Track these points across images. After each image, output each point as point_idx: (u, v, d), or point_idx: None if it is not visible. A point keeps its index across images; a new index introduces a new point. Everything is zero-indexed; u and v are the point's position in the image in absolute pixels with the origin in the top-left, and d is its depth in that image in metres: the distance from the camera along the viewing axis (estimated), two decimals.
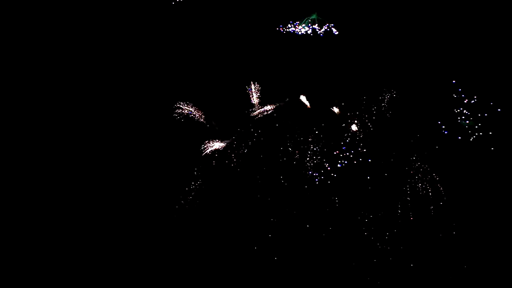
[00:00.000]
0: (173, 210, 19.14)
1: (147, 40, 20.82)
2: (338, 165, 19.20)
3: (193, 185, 19.34)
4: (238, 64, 20.59)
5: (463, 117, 18.23)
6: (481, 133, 18.00)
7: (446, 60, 18.89)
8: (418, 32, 19.13)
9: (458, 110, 18.36)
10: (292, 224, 18.98)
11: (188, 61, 20.86)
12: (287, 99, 19.92)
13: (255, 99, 19.77)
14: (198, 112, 19.93)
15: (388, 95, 19.21)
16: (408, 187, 18.54)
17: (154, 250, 18.56)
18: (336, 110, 19.55)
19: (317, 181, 19.12)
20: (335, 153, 19.27)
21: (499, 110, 17.87)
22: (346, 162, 19.18)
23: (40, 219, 18.49)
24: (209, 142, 19.66)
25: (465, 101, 18.34)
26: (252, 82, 19.58)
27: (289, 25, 19.85)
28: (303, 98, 19.71)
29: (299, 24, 19.63)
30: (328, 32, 19.67)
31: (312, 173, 19.16)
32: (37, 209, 18.59)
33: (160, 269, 18.45)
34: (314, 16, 19.15)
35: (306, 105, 19.50)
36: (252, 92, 19.70)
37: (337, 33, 19.38)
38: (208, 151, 19.56)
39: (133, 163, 19.67)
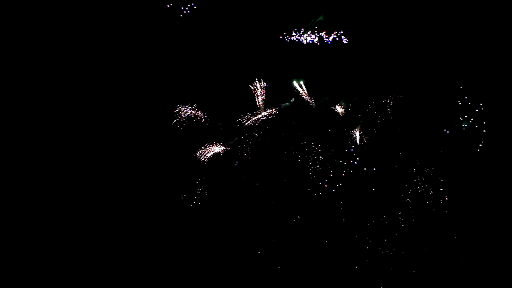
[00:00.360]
0: (176, 213, 19.01)
1: (148, 41, 20.60)
2: (341, 167, 19.18)
3: (195, 188, 19.19)
4: (242, 65, 20.45)
5: (468, 124, 18.24)
6: (487, 140, 18.01)
7: (452, 65, 18.90)
8: (424, 36, 19.14)
9: (464, 117, 18.36)
10: (295, 228, 18.93)
11: (190, 63, 20.72)
12: (293, 99, 19.84)
13: (260, 100, 19.66)
14: (200, 114, 19.77)
15: (393, 99, 19.19)
16: (411, 191, 18.55)
17: (157, 254, 18.47)
18: (340, 110, 19.47)
19: (320, 185, 19.08)
20: (340, 160, 19.21)
21: (506, 116, 17.91)
22: (350, 169, 19.14)
23: (40, 220, 18.30)
24: (211, 145, 19.51)
25: (470, 106, 18.34)
26: (257, 81, 19.46)
27: (294, 33, 19.70)
28: (298, 86, 19.52)
29: (305, 31, 19.49)
30: (336, 36, 19.59)
31: (316, 178, 19.09)
32: (37, 209, 18.37)
33: (162, 272, 18.37)
34: (320, 18, 19.04)
35: (304, 93, 19.31)
36: (257, 92, 19.57)
37: (346, 41, 19.31)
38: (210, 154, 19.42)
39: (135, 166, 19.52)
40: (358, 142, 18.93)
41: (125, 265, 18.22)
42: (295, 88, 19.69)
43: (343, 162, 19.22)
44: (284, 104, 19.84)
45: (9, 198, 18.13)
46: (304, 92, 19.61)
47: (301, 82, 19.60)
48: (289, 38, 20.02)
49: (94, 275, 17.93)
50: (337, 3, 19.76)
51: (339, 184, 19.04)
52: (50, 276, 17.52)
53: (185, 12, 19.74)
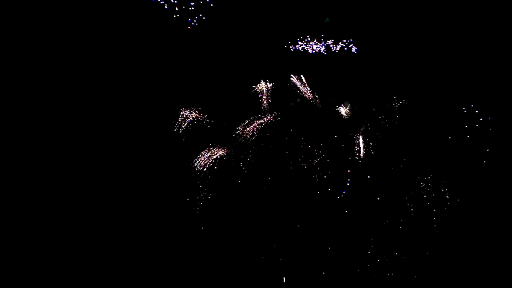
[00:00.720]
0: (180, 216, 18.91)
1: (153, 46, 20.44)
2: (346, 172, 19.15)
3: (200, 191, 19.06)
4: (247, 67, 20.35)
5: (473, 127, 18.30)
6: (491, 145, 18.05)
7: (457, 71, 18.94)
8: (430, 40, 19.17)
9: (468, 125, 18.39)
10: (298, 231, 18.90)
11: (195, 67, 20.56)
12: (298, 99, 19.77)
13: (265, 101, 19.57)
14: (205, 117, 19.64)
15: (397, 103, 19.20)
16: (415, 196, 18.59)
17: (160, 256, 18.37)
18: (344, 112, 19.44)
19: (324, 189, 19.05)
20: (344, 165, 19.19)
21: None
22: (354, 174, 19.12)
23: (40, 220, 18.09)
24: (215, 148, 19.38)
25: (476, 112, 18.39)
26: (263, 82, 19.37)
27: (300, 42, 19.61)
28: (297, 80, 19.43)
29: (311, 40, 19.43)
30: (344, 44, 19.53)
31: (320, 182, 19.04)
32: (37, 210, 18.15)
33: (165, 273, 18.29)
34: (327, 20, 18.99)
35: (305, 88, 19.21)
36: (263, 93, 19.48)
37: (355, 50, 19.26)
38: (214, 157, 19.28)
39: (140, 169, 19.39)
40: (362, 151, 18.90)
41: (127, 265, 18.08)
42: (293, 84, 19.54)
43: (347, 167, 19.21)
44: (290, 104, 19.78)
45: (9, 198, 17.89)
46: (306, 87, 19.47)
47: (302, 76, 19.51)
48: (295, 41, 19.96)
49: (94, 275, 17.74)
50: (342, 6, 19.76)
51: (343, 190, 19.03)
52: (50, 276, 17.31)
53: (193, 24, 19.58)
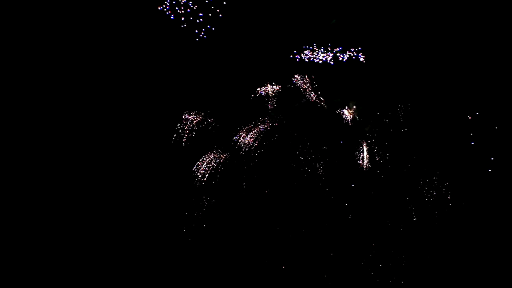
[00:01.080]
0: (179, 221, 18.78)
1: (155, 47, 20.48)
2: (348, 175, 19.06)
3: (201, 197, 18.92)
4: (252, 69, 20.41)
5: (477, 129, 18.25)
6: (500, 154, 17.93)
7: (464, 73, 18.96)
8: (437, 43, 19.26)
9: (474, 130, 18.33)
10: (300, 234, 18.70)
11: (199, 69, 20.61)
12: (303, 100, 19.74)
13: (270, 104, 19.61)
14: (206, 121, 19.66)
15: (402, 107, 19.22)
16: (419, 198, 18.45)
17: (159, 263, 18.20)
18: (347, 113, 19.43)
19: (326, 191, 18.93)
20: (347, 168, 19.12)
21: None
22: (357, 177, 19.03)
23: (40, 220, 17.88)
24: (216, 153, 19.33)
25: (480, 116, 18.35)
26: (268, 84, 19.42)
27: (306, 51, 19.72)
28: (300, 80, 19.41)
29: (317, 48, 19.55)
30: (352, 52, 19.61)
31: (323, 184, 18.94)
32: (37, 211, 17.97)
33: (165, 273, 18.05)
34: (333, 22, 19.12)
35: (308, 88, 19.18)
36: (268, 96, 19.54)
37: (363, 59, 19.32)
38: (216, 162, 19.23)
39: (139, 174, 19.29)
40: (365, 154, 18.83)
41: (128, 270, 17.88)
42: (298, 85, 19.56)
43: (350, 171, 19.12)
44: (294, 105, 19.79)
45: (9, 198, 17.70)
46: (310, 87, 19.48)
47: (306, 76, 19.54)
48: (301, 48, 20.03)
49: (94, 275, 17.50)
50: (347, 9, 19.91)
51: (346, 194, 18.89)
52: (50, 276, 17.05)
53: (201, 35, 19.72)
